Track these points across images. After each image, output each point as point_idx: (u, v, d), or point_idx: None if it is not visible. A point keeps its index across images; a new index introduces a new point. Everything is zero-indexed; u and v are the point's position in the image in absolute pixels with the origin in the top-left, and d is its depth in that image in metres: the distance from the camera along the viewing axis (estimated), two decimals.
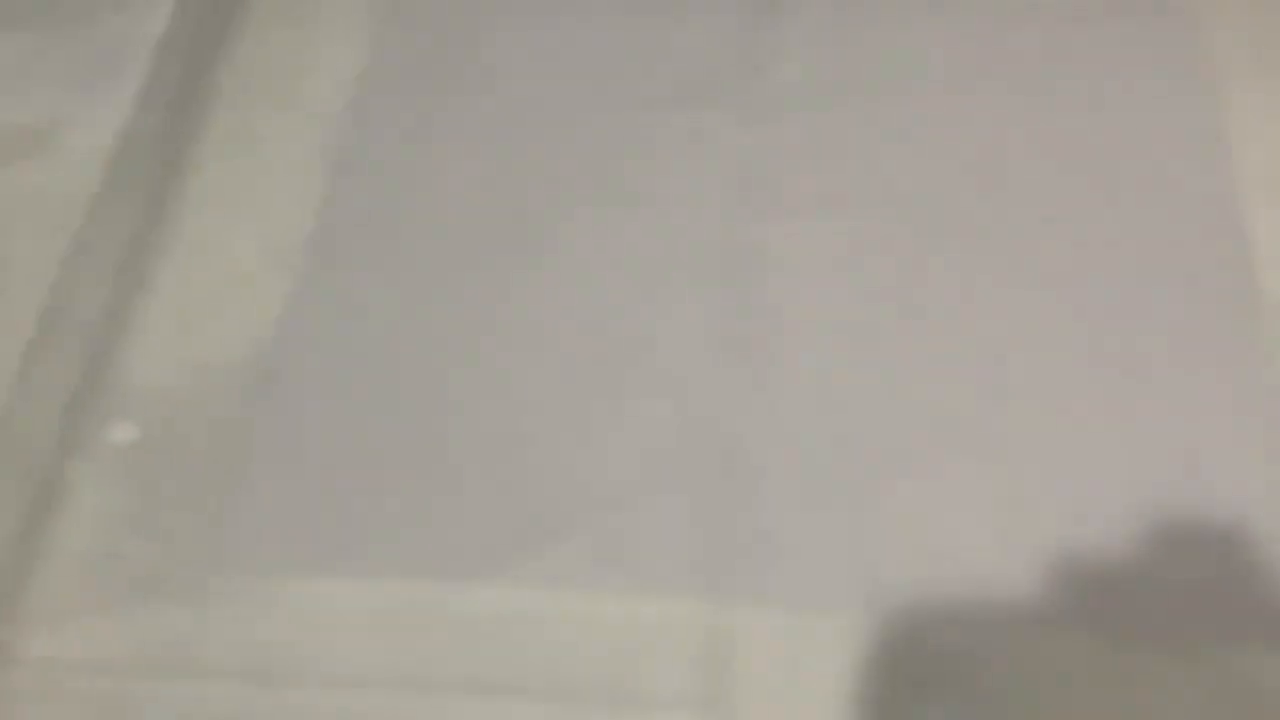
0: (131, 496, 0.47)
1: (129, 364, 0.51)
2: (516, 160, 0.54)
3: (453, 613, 0.44)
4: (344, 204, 0.54)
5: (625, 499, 0.45)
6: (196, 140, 0.59)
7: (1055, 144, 0.52)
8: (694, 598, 0.44)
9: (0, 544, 0.46)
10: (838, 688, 0.42)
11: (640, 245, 0.50)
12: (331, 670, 0.43)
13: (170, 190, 0.57)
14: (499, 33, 0.58)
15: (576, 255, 0.50)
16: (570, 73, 0.56)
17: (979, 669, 0.42)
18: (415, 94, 0.57)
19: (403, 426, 0.47)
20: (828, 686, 0.42)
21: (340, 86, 0.60)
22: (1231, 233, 0.50)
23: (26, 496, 0.48)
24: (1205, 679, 0.42)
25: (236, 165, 0.57)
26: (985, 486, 0.44)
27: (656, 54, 0.56)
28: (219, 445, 0.48)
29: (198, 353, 0.51)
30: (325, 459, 0.47)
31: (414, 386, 0.48)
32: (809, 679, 0.42)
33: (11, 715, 0.44)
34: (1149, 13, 0.57)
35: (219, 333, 0.52)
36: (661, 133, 0.53)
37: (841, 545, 0.43)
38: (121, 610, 0.45)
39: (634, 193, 0.52)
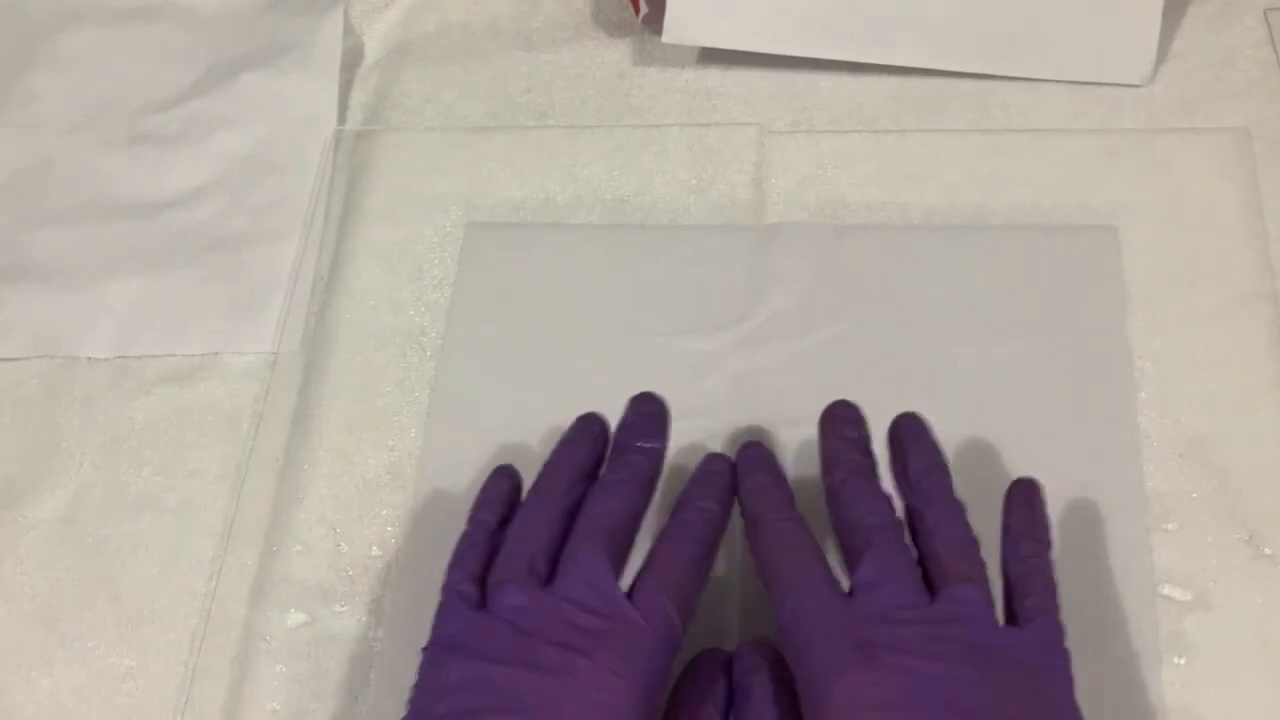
0: (303, 664, 0.63)
1: (294, 564, 0.65)
2: (569, 378, 0.68)
3: None
4: (441, 424, 0.68)
5: None
6: (325, 369, 0.71)
7: (991, 360, 0.65)
8: None
9: (216, 704, 0.62)
10: None
11: None
12: None
13: (311, 412, 0.70)
14: (551, 276, 0.71)
15: None
16: (610, 306, 0.70)
17: None
18: (490, 327, 0.70)
19: None
20: None
21: (435, 318, 0.72)
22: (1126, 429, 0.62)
23: (230, 670, 0.63)
24: None
25: (364, 392, 0.70)
26: None
27: (676, 291, 0.70)
28: (365, 622, 0.63)
29: (344, 553, 0.65)
30: None
31: None
32: None
33: None
34: (1075, 231, 0.68)
35: (358, 536, 0.66)
36: (674, 355, 0.68)
37: None
38: None
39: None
